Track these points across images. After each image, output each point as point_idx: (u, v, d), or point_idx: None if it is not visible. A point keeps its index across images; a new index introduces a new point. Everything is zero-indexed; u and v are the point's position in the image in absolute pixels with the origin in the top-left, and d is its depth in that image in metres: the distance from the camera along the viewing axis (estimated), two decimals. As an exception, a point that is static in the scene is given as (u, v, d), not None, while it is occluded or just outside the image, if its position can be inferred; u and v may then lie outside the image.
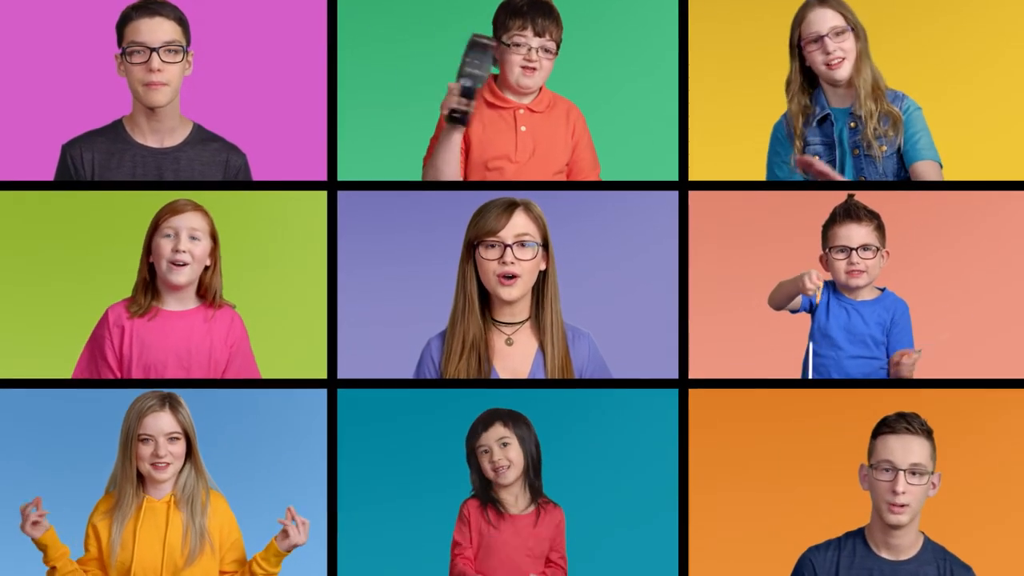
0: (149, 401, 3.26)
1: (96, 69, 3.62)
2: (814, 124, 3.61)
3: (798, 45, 3.59)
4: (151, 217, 3.44)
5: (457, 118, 3.44)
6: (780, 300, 3.51)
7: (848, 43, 3.55)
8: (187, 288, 3.45)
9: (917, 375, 3.53)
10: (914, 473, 3.13)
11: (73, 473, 3.63)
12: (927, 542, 3.23)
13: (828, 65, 3.55)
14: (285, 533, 3.22)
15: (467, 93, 3.42)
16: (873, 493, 3.19)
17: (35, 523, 3.19)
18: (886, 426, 3.18)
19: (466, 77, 3.41)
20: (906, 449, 3.14)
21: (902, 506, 3.13)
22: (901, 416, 3.18)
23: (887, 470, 3.14)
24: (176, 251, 3.38)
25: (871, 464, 3.18)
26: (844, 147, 3.59)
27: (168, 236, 3.39)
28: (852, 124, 3.58)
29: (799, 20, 3.57)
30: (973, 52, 3.91)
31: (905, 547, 3.21)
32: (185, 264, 3.39)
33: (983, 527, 3.62)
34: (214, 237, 3.44)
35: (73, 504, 3.34)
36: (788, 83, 3.61)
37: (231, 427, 3.70)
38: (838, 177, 3.52)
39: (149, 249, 3.42)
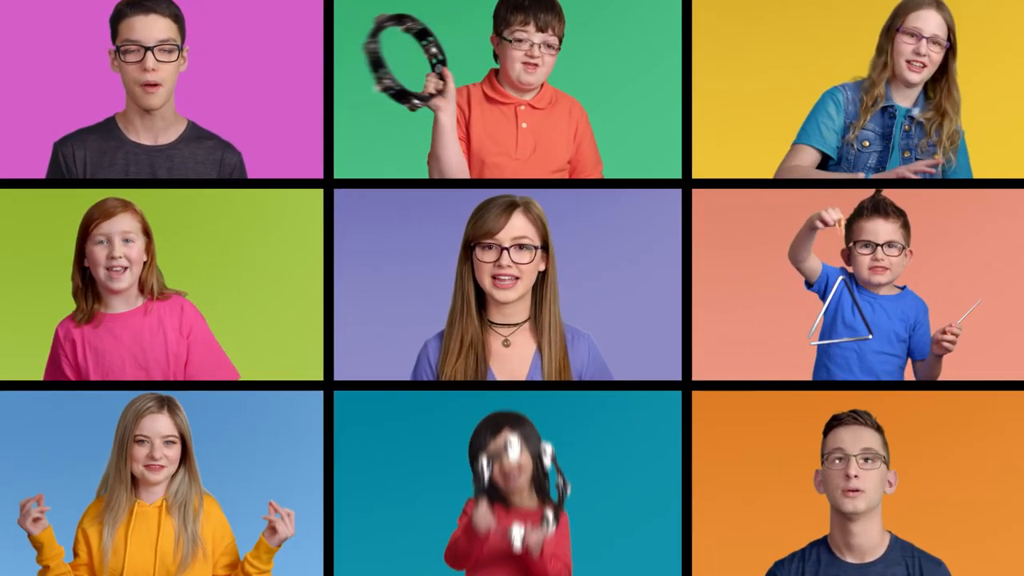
0: (147, 403, 3.25)
1: (89, 65, 3.61)
2: (876, 111, 3.61)
3: (896, 29, 3.56)
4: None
5: (419, 99, 3.42)
6: (797, 246, 3.45)
7: (937, 56, 3.56)
8: (129, 289, 3.42)
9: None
10: (866, 459, 3.14)
11: (61, 477, 3.61)
12: (894, 541, 3.21)
13: (909, 63, 3.55)
14: (272, 529, 3.21)
15: (376, 64, 3.37)
16: (828, 487, 3.19)
17: (35, 519, 3.17)
18: (835, 420, 3.21)
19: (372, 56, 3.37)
20: (856, 437, 3.16)
21: (856, 491, 3.14)
22: (851, 411, 3.21)
23: (839, 459, 3.15)
24: (111, 258, 3.35)
25: (823, 457, 3.20)
26: (894, 144, 3.59)
27: (101, 243, 3.36)
28: (907, 127, 3.59)
29: (908, 8, 3.56)
30: (984, 48, 3.90)
31: (869, 548, 3.19)
32: (124, 268, 3.36)
33: (985, 528, 3.63)
34: (147, 233, 3.40)
35: (62, 508, 3.31)
36: (883, 66, 3.57)
37: (225, 429, 3.69)
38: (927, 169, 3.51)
39: (82, 254, 3.38)
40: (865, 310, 3.49)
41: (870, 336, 3.43)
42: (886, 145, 3.59)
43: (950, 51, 3.56)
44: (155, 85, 3.43)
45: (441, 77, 3.42)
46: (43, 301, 3.70)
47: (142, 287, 3.42)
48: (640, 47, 3.96)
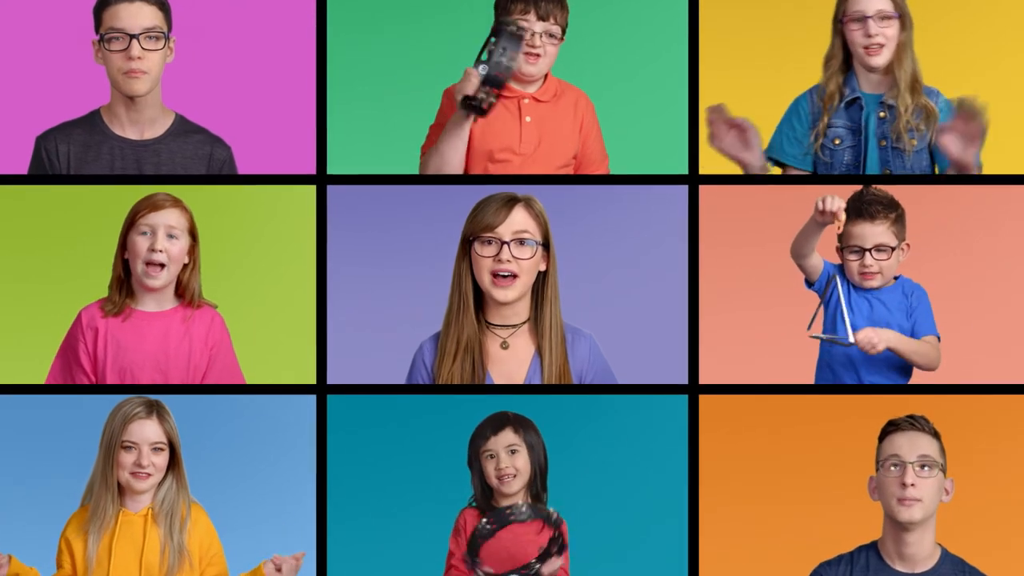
0: (135, 407, 3.22)
1: (72, 56, 3.58)
2: (841, 106, 3.55)
3: (840, 21, 3.52)
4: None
5: (475, 106, 3.36)
6: (801, 242, 3.39)
7: (892, 30, 3.49)
8: (164, 288, 3.40)
9: (943, 378, 3.49)
10: (923, 466, 3.13)
11: (46, 484, 3.59)
12: (945, 554, 3.19)
13: (867, 49, 3.49)
14: (279, 568, 3.19)
15: (494, 82, 3.32)
16: (883, 495, 3.17)
17: None
18: (892, 425, 3.19)
19: (495, 65, 3.31)
20: (913, 443, 3.15)
21: (913, 499, 3.12)
22: (908, 416, 3.19)
23: (895, 465, 3.14)
24: (152, 250, 3.34)
25: (879, 463, 3.18)
26: (869, 135, 3.53)
27: (144, 234, 3.35)
28: (882, 114, 3.52)
29: None
30: (1004, 41, 3.89)
31: (921, 558, 3.16)
32: (161, 265, 3.36)
33: (1009, 537, 3.61)
34: (193, 234, 3.40)
35: (45, 516, 3.32)
36: (828, 59, 3.55)
37: (215, 435, 3.67)
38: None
39: (124, 245, 3.38)
40: (863, 307, 3.43)
41: (851, 342, 3.35)
42: (858, 139, 3.54)
43: (903, 21, 3.49)
44: (140, 72, 3.41)
45: (499, 87, 3.35)
46: (25, 300, 3.71)
47: (182, 291, 3.42)
48: (645, 37, 3.94)
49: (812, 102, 3.57)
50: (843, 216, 3.28)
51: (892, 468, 3.14)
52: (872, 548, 3.20)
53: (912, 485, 3.10)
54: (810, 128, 3.56)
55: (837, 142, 3.53)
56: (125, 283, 3.38)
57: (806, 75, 3.64)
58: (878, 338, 3.33)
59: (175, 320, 3.40)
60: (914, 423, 3.16)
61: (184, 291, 3.41)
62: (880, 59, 3.48)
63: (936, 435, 3.18)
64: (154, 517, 3.22)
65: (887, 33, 3.47)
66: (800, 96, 3.59)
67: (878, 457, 3.19)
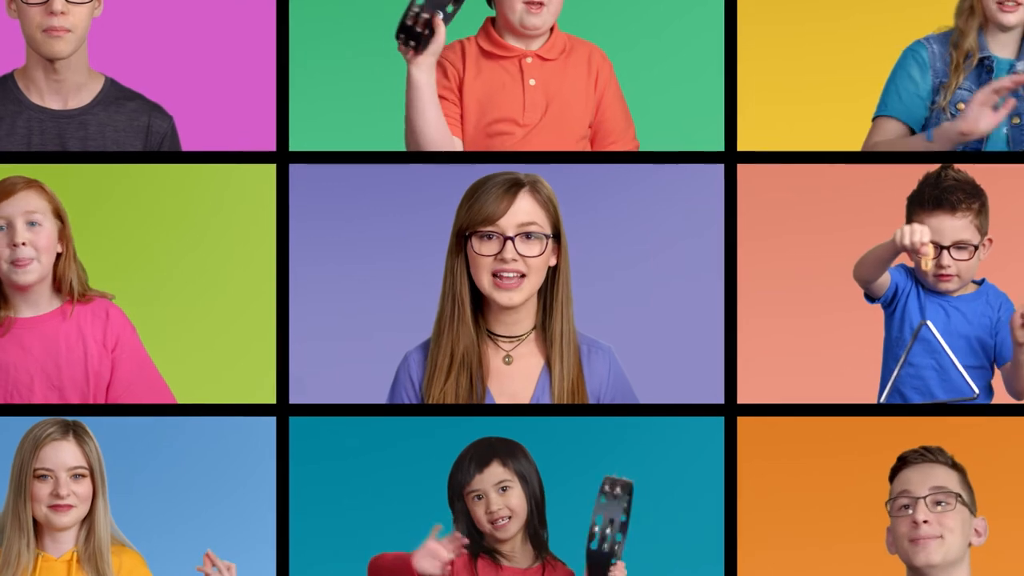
0: (48, 428, 3.04)
1: None
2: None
3: None
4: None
5: (410, 33, 3.13)
6: (868, 269, 3.17)
7: None
8: (39, 286, 3.22)
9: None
10: (938, 502, 2.94)
11: None
12: None
13: (1000, 4, 3.28)
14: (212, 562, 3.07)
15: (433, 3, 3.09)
16: (896, 540, 2.98)
17: None
18: (900, 461, 3.03)
19: None
20: (924, 476, 2.97)
21: (928, 537, 2.92)
22: (920, 448, 3.03)
23: (905, 505, 2.96)
24: (13, 245, 3.17)
25: (889, 507, 3.00)
26: (997, 105, 3.26)
27: (1, 229, 3.19)
28: None
29: None
30: None
31: None
32: (29, 260, 3.19)
33: None
34: (60, 216, 3.22)
35: None
36: (968, 10, 3.32)
37: (155, 464, 3.55)
38: None
39: None
40: (939, 316, 3.21)
41: (975, 395, 3.18)
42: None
43: None
44: (63, 30, 3.27)
45: (430, 25, 3.12)
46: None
47: (59, 285, 3.25)
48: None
49: (933, 53, 3.36)
50: (930, 250, 3.03)
51: (903, 508, 2.95)
52: None
53: (925, 522, 2.90)
54: (934, 83, 3.35)
55: (961, 107, 3.30)
56: None
57: (866, 33, 3.55)
58: None
59: (62, 320, 3.25)
60: (926, 454, 2.98)
61: (61, 284, 3.24)
62: (1015, 17, 3.30)
63: (955, 467, 2.99)
64: (79, 560, 3.02)
65: None
66: (915, 44, 3.40)
67: (888, 498, 3.01)
